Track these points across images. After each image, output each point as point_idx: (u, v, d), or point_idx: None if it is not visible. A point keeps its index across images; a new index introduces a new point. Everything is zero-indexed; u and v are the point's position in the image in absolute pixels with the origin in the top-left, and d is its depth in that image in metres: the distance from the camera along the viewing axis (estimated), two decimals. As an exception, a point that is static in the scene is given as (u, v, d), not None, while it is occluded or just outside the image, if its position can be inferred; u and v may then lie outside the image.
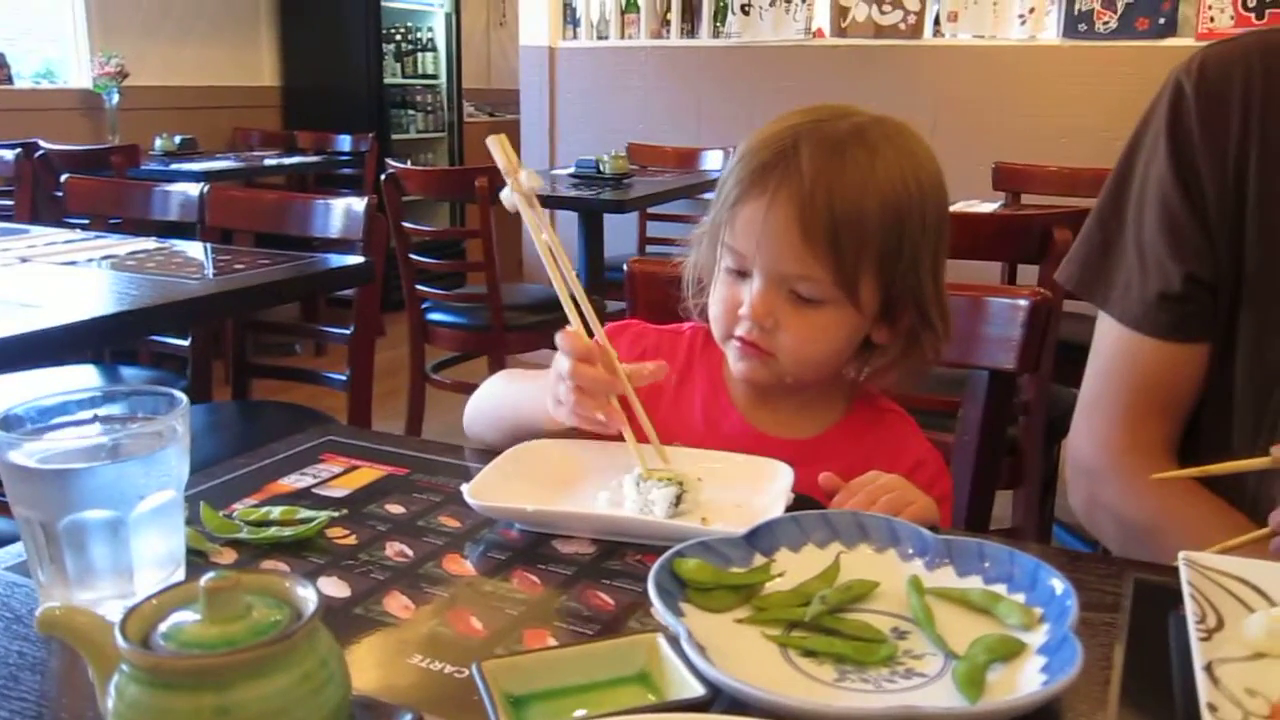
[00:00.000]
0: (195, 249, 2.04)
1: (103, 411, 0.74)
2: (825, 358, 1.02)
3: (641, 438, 0.94)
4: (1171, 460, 1.03)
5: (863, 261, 0.95)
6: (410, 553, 0.81)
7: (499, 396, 1.10)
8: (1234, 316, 0.99)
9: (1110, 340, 1.05)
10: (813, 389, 1.06)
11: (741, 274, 0.99)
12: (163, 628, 0.51)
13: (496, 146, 0.94)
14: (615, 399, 0.93)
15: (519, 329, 3.10)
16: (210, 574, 0.51)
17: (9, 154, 3.39)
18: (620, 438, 0.95)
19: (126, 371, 2.40)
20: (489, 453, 0.98)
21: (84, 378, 2.31)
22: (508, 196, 0.94)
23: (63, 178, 2.61)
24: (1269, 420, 0.96)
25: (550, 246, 0.94)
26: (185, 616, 0.51)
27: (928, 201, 0.98)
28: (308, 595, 0.52)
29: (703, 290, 1.07)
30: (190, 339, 2.26)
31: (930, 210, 0.98)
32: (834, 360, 1.03)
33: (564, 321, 0.95)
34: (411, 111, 6.24)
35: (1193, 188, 0.98)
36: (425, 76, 6.31)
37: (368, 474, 0.97)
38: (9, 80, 4.73)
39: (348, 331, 2.08)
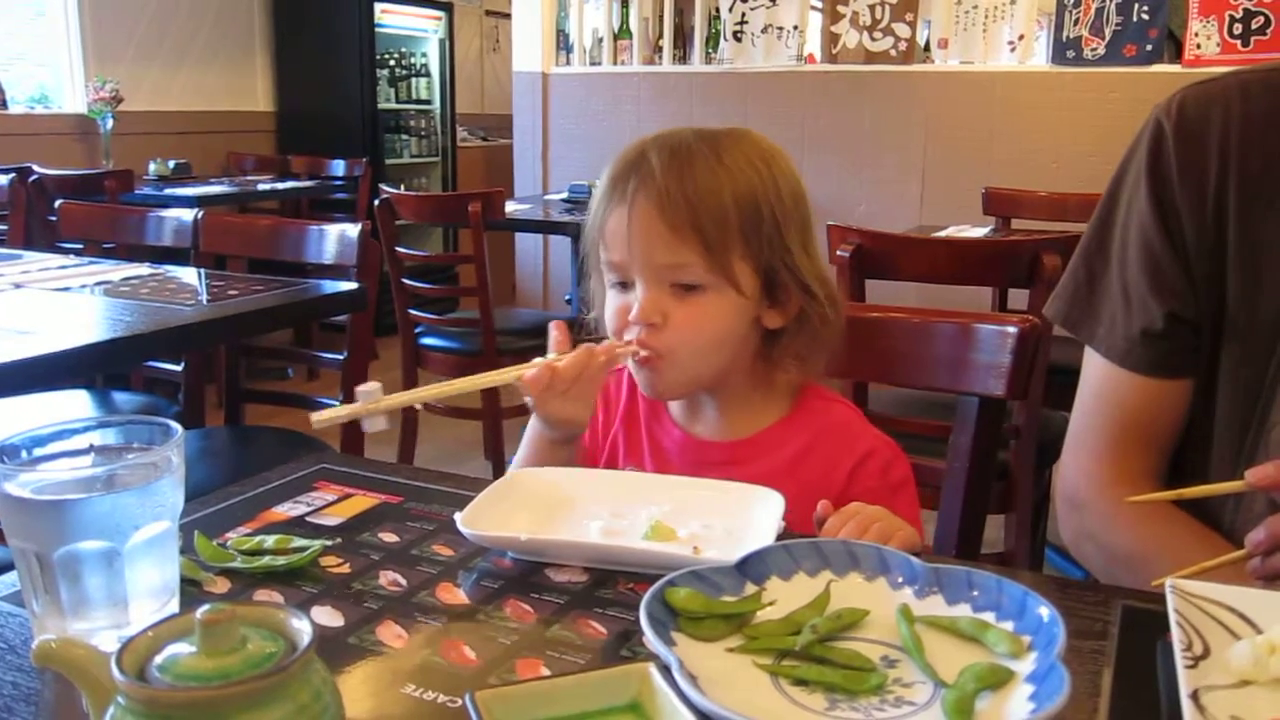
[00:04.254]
0: (189, 275, 2.05)
1: (98, 441, 0.74)
2: (716, 346, 1.05)
3: None
4: (1156, 492, 1.04)
5: (729, 241, 1.01)
6: (403, 581, 0.81)
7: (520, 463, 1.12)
8: (1215, 352, 1.00)
9: (1096, 375, 1.07)
10: (738, 389, 1.10)
11: (625, 285, 1.05)
12: (158, 660, 0.51)
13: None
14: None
15: (511, 353, 3.11)
16: (206, 606, 0.52)
17: (3, 179, 3.40)
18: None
19: (119, 397, 2.40)
20: (482, 481, 0.99)
21: (76, 403, 2.31)
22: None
23: (57, 203, 2.62)
24: (1246, 452, 0.97)
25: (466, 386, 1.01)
26: (181, 649, 0.52)
27: (780, 180, 1.05)
28: (302, 627, 0.53)
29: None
30: (183, 364, 2.27)
31: (785, 188, 1.05)
32: (728, 349, 1.06)
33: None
34: (405, 136, 6.26)
35: (1173, 227, 0.99)
36: (419, 101, 6.34)
37: (361, 502, 0.98)
38: (4, 105, 4.74)
39: (341, 356, 2.08)
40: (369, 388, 0.93)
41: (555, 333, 1.05)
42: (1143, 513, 0.99)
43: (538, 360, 1.02)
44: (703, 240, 1.00)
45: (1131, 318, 1.02)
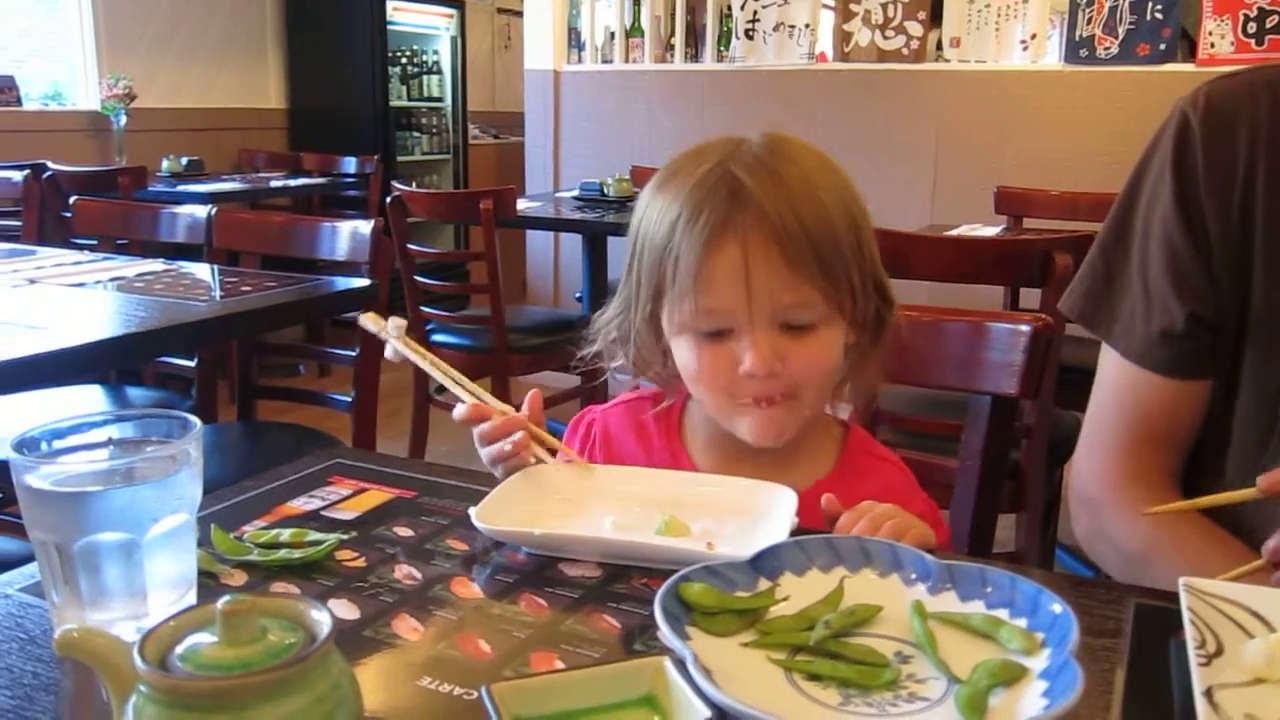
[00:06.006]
0: (202, 271, 2.06)
1: (116, 434, 0.75)
2: (830, 379, 1.00)
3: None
4: (1172, 492, 1.03)
5: (844, 267, 0.95)
6: (418, 575, 0.82)
7: None
8: (1237, 352, 0.98)
9: (1113, 373, 1.05)
10: (803, 429, 1.02)
11: (720, 335, 0.96)
12: (180, 650, 0.52)
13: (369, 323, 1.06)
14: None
15: (522, 351, 3.11)
16: (226, 597, 0.52)
17: (17, 175, 3.41)
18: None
19: (132, 392, 2.41)
20: (495, 477, 0.99)
21: (90, 398, 2.32)
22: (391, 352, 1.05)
23: (71, 199, 2.63)
24: (1271, 452, 0.96)
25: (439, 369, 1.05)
26: (202, 639, 0.52)
27: (854, 189, 0.99)
28: (321, 618, 0.53)
29: (646, 356, 1.04)
30: (196, 360, 2.28)
31: (860, 197, 0.99)
32: (835, 378, 1.02)
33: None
34: (417, 134, 6.27)
35: (1196, 225, 0.97)
36: (430, 99, 6.35)
37: (376, 496, 0.98)
38: (18, 102, 4.76)
39: (352, 353, 2.09)
40: (399, 322, 1.04)
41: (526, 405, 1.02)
42: (1159, 514, 0.98)
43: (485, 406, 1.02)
44: (823, 273, 0.93)
45: (1151, 317, 1.01)
